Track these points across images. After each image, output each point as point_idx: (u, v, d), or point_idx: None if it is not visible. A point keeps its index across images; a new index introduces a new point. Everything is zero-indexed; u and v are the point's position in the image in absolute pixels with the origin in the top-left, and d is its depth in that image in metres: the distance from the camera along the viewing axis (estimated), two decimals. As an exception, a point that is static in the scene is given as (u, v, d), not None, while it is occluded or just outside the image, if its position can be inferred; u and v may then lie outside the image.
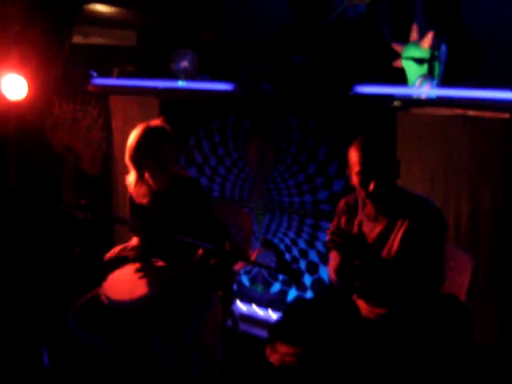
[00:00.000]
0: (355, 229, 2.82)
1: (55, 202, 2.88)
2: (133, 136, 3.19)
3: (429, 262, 2.69)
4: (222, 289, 2.40)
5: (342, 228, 2.90)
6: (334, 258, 2.91)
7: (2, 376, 3.51)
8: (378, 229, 2.81)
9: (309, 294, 4.09)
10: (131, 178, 3.28)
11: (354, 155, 2.75)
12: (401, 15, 4.77)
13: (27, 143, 5.27)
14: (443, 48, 3.92)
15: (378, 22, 4.84)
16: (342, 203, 3.00)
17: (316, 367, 2.63)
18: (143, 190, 3.29)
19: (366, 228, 2.82)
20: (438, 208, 2.79)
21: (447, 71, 3.96)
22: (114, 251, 3.32)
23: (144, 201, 3.31)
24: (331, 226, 3.00)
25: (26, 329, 3.81)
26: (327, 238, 2.70)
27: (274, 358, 2.73)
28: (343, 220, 2.95)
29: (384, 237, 2.79)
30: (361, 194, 2.80)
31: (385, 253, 2.77)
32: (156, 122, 3.25)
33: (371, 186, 2.72)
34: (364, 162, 2.71)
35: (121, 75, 5.28)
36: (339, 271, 2.89)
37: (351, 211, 2.94)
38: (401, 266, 2.70)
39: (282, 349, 2.71)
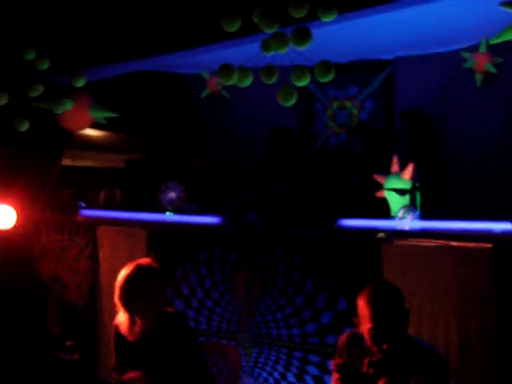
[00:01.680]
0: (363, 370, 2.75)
1: (41, 345, 2.85)
2: (122, 276, 3.17)
3: None
4: None
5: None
6: None
7: None
8: (385, 378, 2.73)
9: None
10: (122, 317, 3.25)
11: (364, 309, 2.70)
12: (372, 145, 4.91)
13: (13, 272, 5.24)
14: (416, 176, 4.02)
15: (353, 151, 4.99)
16: (343, 339, 2.93)
17: None
18: (132, 328, 3.25)
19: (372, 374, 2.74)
20: (445, 360, 2.77)
21: (424, 199, 4.04)
22: None
23: (131, 339, 3.27)
24: (335, 362, 2.93)
25: None
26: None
27: None
28: (346, 357, 2.88)
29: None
30: (372, 348, 2.72)
31: None
32: (145, 261, 3.25)
33: (385, 346, 2.65)
34: (376, 319, 2.66)
35: (108, 199, 5.32)
36: None
37: (354, 349, 2.86)
38: None
39: None
